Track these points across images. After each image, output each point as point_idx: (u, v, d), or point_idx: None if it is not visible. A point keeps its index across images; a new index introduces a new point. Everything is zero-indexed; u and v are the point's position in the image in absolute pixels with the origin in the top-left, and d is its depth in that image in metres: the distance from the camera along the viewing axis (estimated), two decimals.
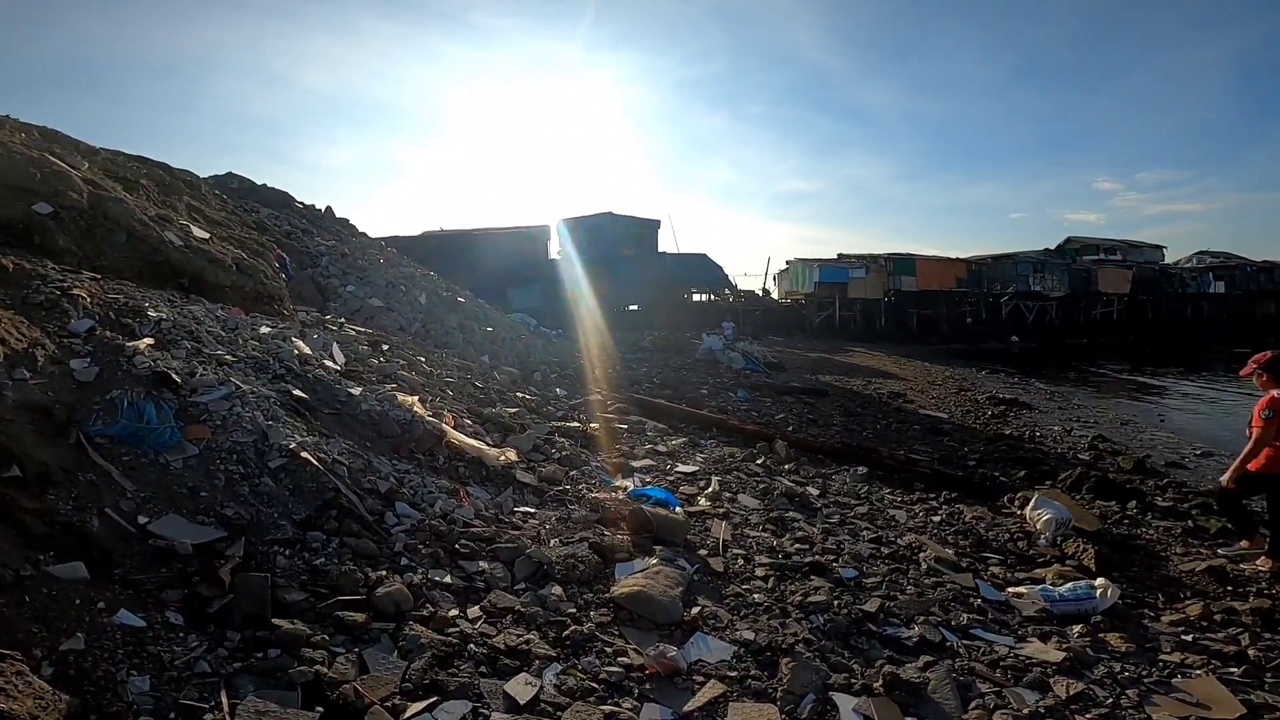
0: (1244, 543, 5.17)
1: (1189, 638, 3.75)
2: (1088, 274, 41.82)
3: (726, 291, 35.17)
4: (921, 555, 4.51)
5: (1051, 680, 3.09)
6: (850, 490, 5.98)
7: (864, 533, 4.87)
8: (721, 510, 4.79)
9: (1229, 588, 4.56)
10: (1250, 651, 3.55)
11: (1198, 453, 10.26)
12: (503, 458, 4.83)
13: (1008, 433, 10.72)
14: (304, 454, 3.58)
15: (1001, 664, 3.22)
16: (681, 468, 5.70)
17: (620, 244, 31.75)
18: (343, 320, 7.33)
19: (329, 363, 4.97)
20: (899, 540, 4.78)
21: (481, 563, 3.51)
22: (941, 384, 17.68)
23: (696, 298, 35.69)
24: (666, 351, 20.15)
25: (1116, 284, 42.04)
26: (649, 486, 4.94)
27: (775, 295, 39.06)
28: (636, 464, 5.70)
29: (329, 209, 15.96)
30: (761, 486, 5.50)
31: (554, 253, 33.60)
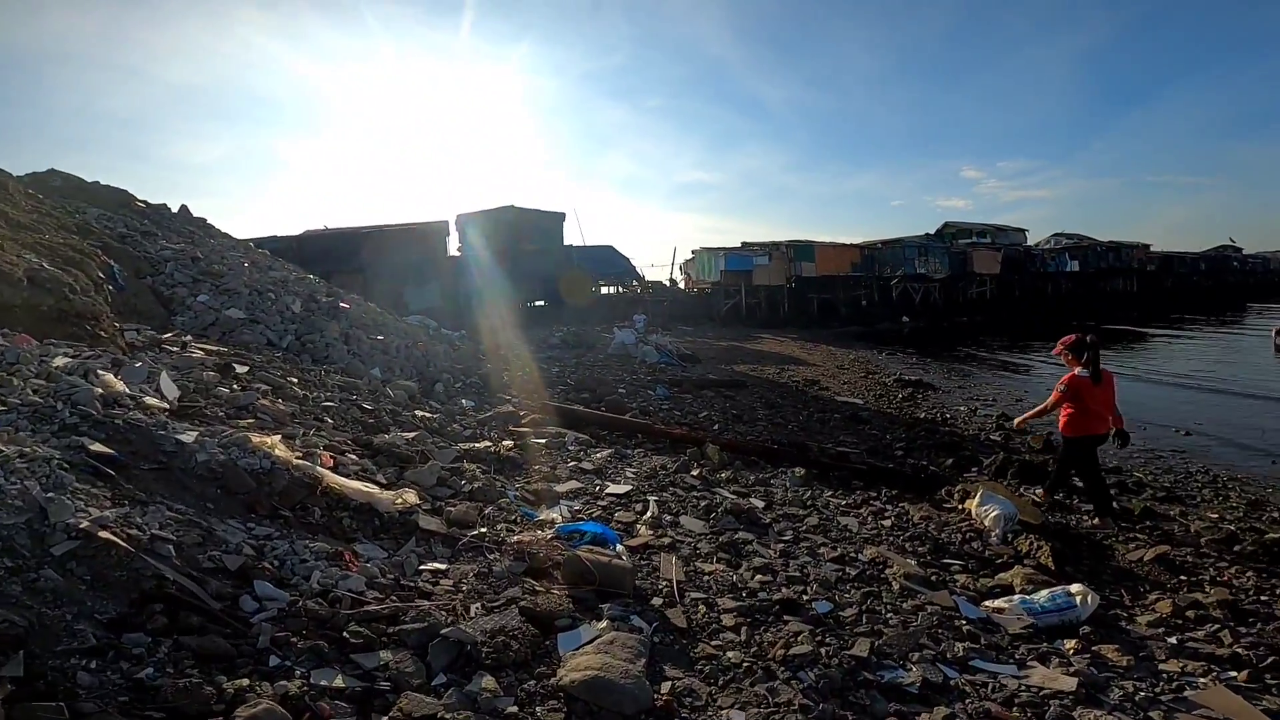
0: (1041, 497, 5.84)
1: (1174, 640, 3.54)
2: (964, 256, 44.95)
3: (635, 283, 34.78)
4: (889, 572, 4.08)
5: (1075, 714, 2.69)
6: (795, 498, 5.52)
7: (822, 549, 4.39)
8: (666, 540, 4.14)
9: (1182, 577, 4.49)
10: (1239, 650, 3.35)
11: None
12: (400, 501, 3.93)
13: (922, 416, 10.85)
14: (103, 533, 2.57)
15: (1017, 701, 2.79)
16: (612, 488, 5.00)
17: (524, 238, 30.46)
18: (188, 338, 6.01)
19: (153, 399, 3.82)
20: (860, 556, 4.34)
21: (383, 653, 2.66)
22: (849, 368, 18.05)
23: (605, 291, 35.01)
24: (578, 348, 19.36)
25: (989, 265, 45.50)
26: (580, 520, 4.21)
27: (682, 285, 39.14)
28: (561, 488, 4.94)
29: (184, 208, 13.95)
30: (703, 503, 4.91)
31: (453, 249, 31.83)
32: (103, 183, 11.93)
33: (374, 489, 3.93)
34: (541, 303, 31.57)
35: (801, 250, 37.31)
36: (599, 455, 5.94)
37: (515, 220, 30.32)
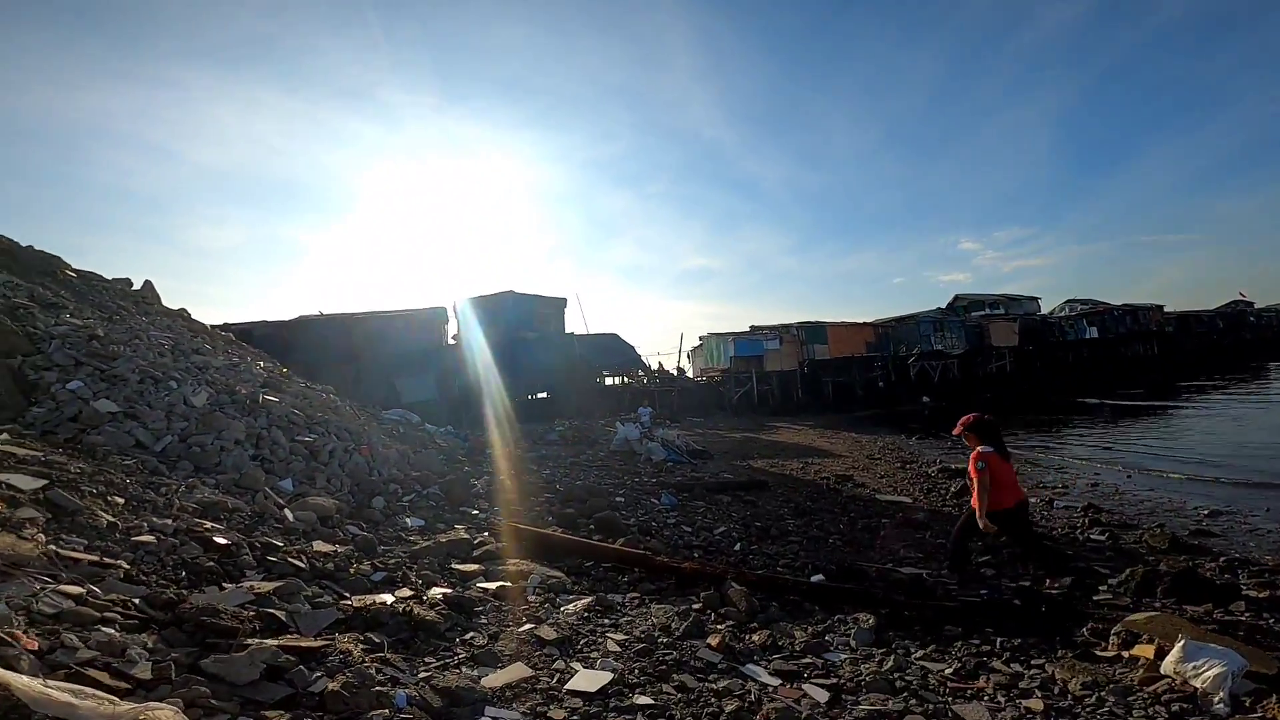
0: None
1: None
2: (980, 329, 43.37)
3: (640, 373, 33.25)
4: None
5: None
6: (875, 676, 3.50)
7: None
8: None
9: None
10: None
11: (1205, 513, 8.72)
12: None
13: None
14: None
15: None
16: (580, 678, 3.04)
17: (524, 325, 29.27)
18: (4, 436, 4.32)
19: None
20: None
21: None
22: (881, 458, 15.98)
23: (609, 381, 33.47)
24: (577, 445, 17.48)
25: (1006, 337, 43.80)
26: None
27: (690, 373, 37.61)
28: (496, 680, 3.00)
29: (148, 283, 12.68)
30: (730, 704, 2.92)
31: (451, 338, 30.65)
32: (37, 248, 10.67)
33: (92, 696, 2.04)
34: (544, 394, 29.95)
35: (813, 332, 35.99)
36: (571, 607, 3.98)
37: (515, 306, 29.28)
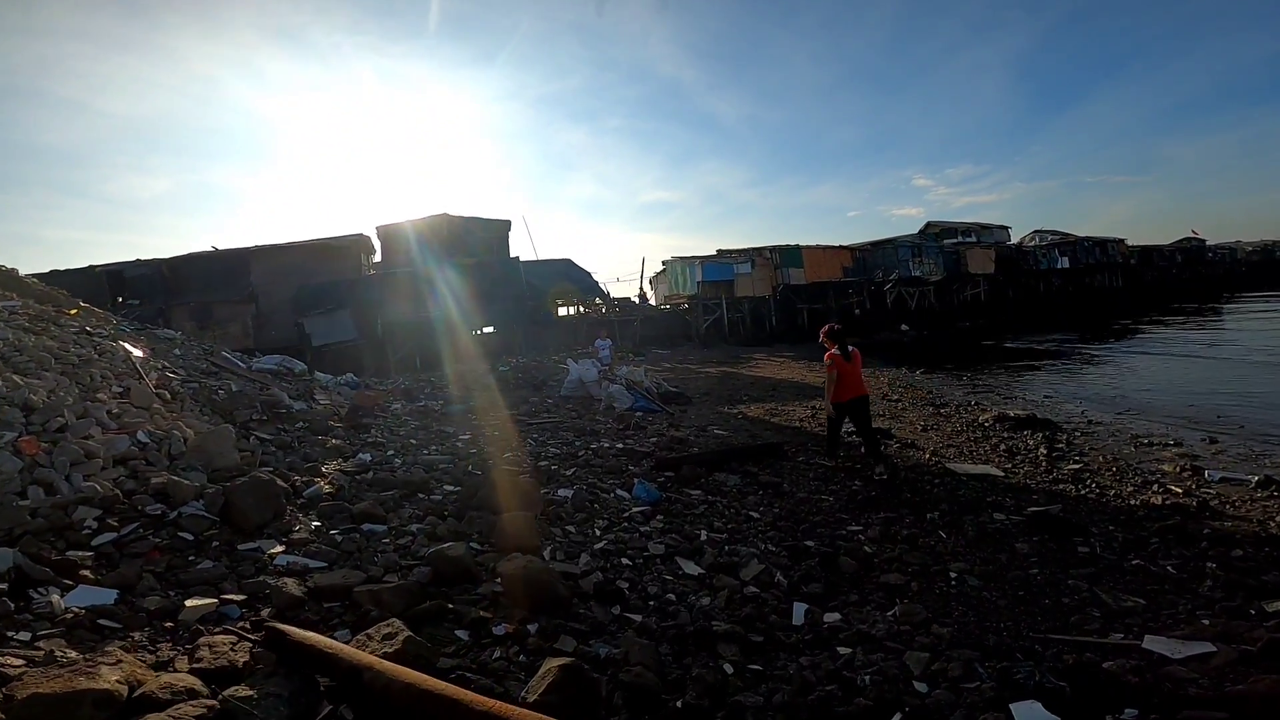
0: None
1: None
2: (958, 256, 41.07)
3: (598, 301, 29.46)
4: None
5: None
6: None
7: None
8: None
9: None
10: None
11: None
12: None
13: (1157, 502, 5.68)
14: None
15: None
16: None
17: (460, 251, 24.92)
18: None
19: None
20: None
21: None
22: (900, 399, 12.94)
23: (563, 312, 29.68)
24: (521, 389, 13.97)
25: (983, 264, 41.78)
26: None
27: (653, 301, 34.05)
28: None
29: None
30: None
31: (371, 269, 26.13)
32: None
33: None
34: (490, 329, 26.05)
35: (789, 255, 32.63)
36: None
37: (449, 230, 24.79)
